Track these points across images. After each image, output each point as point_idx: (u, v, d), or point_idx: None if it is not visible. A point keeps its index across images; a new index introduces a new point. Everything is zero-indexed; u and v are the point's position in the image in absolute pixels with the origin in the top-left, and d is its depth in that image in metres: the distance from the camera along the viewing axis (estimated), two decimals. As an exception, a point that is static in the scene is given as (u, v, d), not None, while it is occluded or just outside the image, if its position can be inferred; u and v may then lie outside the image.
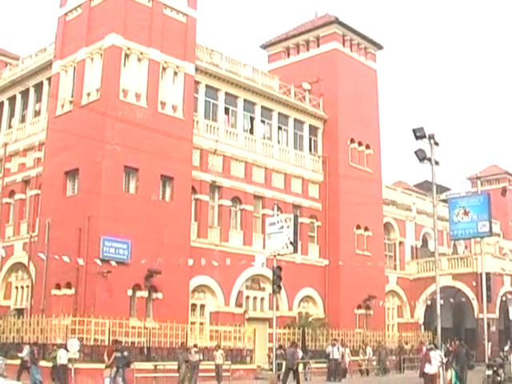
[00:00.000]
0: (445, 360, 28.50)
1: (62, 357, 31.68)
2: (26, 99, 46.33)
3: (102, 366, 32.57)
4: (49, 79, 43.70)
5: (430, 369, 26.31)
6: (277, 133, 50.21)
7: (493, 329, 51.31)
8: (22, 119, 46.47)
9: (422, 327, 56.72)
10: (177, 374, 33.98)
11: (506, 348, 44.32)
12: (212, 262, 41.97)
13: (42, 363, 32.88)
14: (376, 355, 45.61)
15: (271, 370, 37.55)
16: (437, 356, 27.20)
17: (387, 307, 55.96)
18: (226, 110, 46.73)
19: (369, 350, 46.43)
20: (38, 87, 45.22)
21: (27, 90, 45.80)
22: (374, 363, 45.73)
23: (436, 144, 35.67)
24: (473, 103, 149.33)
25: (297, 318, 47.62)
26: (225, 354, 35.33)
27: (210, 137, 44.67)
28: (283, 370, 37.09)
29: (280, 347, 40.65)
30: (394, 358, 47.24)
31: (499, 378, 29.57)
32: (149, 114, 39.70)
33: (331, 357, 39.98)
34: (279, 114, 50.24)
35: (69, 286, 37.58)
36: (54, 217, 39.19)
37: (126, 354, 29.12)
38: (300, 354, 39.09)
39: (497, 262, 56.50)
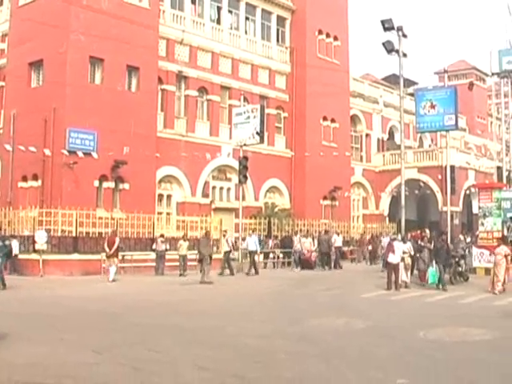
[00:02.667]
0: (412, 253, 28.90)
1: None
2: (-14, -12, 45.08)
3: (70, 256, 32.95)
4: (10, -34, 42.49)
5: (392, 258, 26.80)
6: (244, 23, 49.58)
7: (456, 221, 52.11)
8: (-16, 9, 45.26)
9: (387, 219, 57.59)
10: (145, 264, 34.45)
11: (468, 240, 45.02)
12: (178, 153, 42.08)
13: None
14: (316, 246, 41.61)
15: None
16: (400, 246, 27.70)
17: (352, 198, 56.61)
18: (193, 0, 45.94)
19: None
20: (-1, -25, 44.01)
21: (-13, -21, 44.62)
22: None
23: (404, 36, 35.69)
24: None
25: (263, 209, 48.16)
26: (192, 243, 35.48)
27: (176, 27, 44.10)
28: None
29: (276, 237, 41.55)
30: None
31: (460, 269, 30.24)
32: (114, 3, 38.79)
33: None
34: (247, 3, 49.40)
35: (35, 177, 37.63)
36: (19, 108, 38.85)
37: (7, 242, 27.81)
38: (333, 239, 40.91)
39: (462, 156, 57.00)
